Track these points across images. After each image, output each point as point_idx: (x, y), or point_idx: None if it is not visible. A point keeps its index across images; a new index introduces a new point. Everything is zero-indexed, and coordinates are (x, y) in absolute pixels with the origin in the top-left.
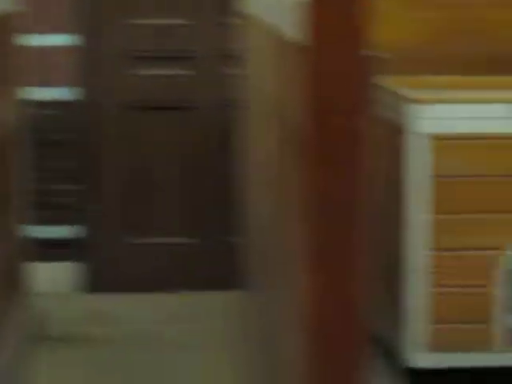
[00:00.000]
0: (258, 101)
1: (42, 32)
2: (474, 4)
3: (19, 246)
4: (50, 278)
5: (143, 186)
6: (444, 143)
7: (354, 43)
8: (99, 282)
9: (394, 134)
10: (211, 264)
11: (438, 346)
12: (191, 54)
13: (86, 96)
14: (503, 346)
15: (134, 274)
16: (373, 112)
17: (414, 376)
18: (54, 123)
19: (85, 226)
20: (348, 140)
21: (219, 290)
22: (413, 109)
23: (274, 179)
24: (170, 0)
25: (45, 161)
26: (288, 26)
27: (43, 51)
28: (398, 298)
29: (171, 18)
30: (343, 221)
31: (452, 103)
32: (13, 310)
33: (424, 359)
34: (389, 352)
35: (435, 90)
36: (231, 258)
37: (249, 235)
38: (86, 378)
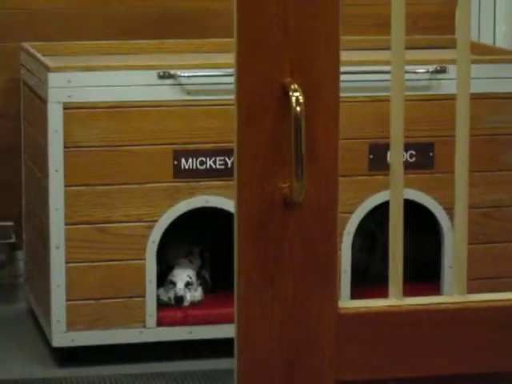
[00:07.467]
0: None
1: None
2: None
3: None
4: None
5: None
6: (74, 112)
7: None
8: None
9: (39, 102)
10: None
11: (76, 324)
12: None
13: None
14: (152, 322)
15: None
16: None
17: (58, 355)
18: None
19: None
20: None
21: None
22: (49, 76)
23: None
24: None
25: None
26: None
27: None
28: (44, 274)
29: None
30: None
31: (86, 71)
32: None
33: (63, 338)
34: (41, 330)
35: (78, 56)
36: None
37: None
38: None
